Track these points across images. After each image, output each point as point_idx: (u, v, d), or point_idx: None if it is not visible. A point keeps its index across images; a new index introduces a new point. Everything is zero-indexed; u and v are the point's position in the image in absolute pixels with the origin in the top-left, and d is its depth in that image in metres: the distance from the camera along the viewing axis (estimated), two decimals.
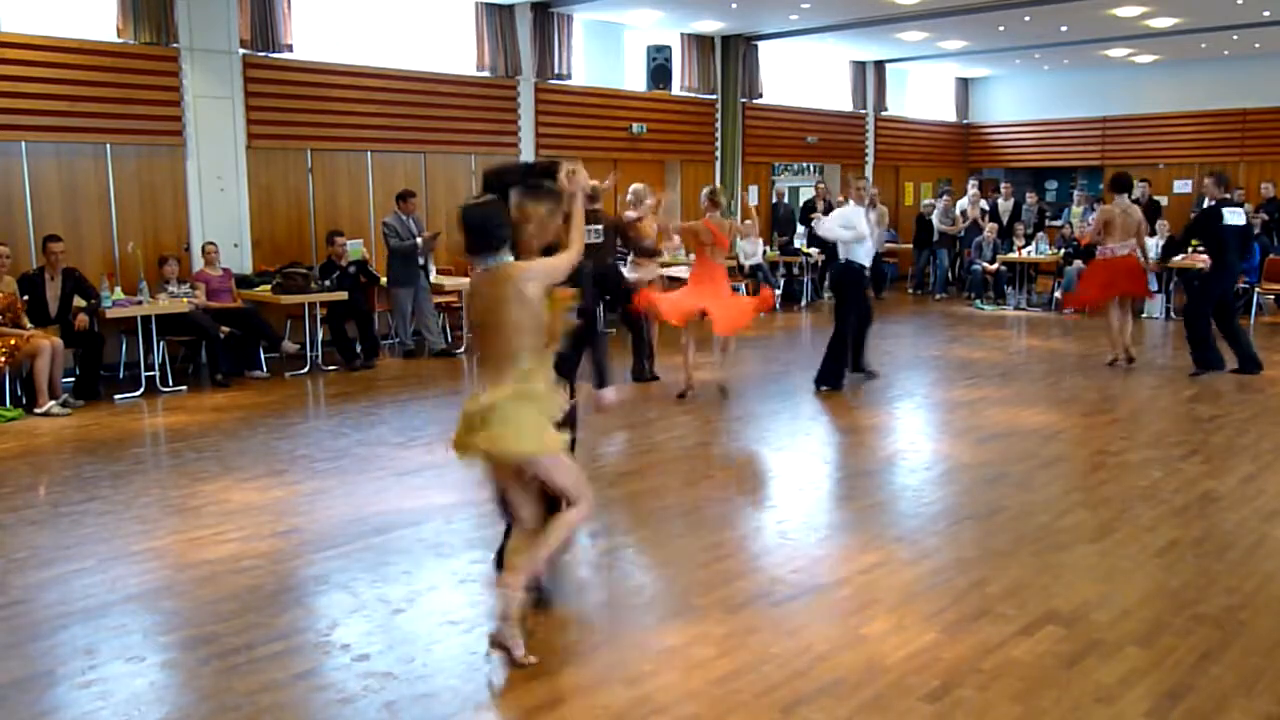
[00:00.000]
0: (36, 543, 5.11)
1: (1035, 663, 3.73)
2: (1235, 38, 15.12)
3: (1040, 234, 15.54)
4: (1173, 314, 13.14)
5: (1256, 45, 15.82)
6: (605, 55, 14.22)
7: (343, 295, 10.04)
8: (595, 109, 13.85)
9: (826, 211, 15.69)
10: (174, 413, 8.25)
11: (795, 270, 15.73)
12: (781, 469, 6.56)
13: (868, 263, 9.01)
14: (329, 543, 5.07)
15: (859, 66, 17.87)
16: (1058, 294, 14.60)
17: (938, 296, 16.24)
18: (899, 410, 8.33)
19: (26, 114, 9.23)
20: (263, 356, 9.83)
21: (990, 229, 15.56)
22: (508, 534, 4.04)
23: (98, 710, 3.44)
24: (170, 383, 9.09)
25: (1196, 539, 5.06)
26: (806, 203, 16.42)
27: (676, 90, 14.92)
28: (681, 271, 10.45)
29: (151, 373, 9.05)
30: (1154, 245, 12.97)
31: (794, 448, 7.06)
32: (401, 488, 5.98)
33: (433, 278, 11.11)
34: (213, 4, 10.27)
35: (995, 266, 15.21)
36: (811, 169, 18.93)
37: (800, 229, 16.14)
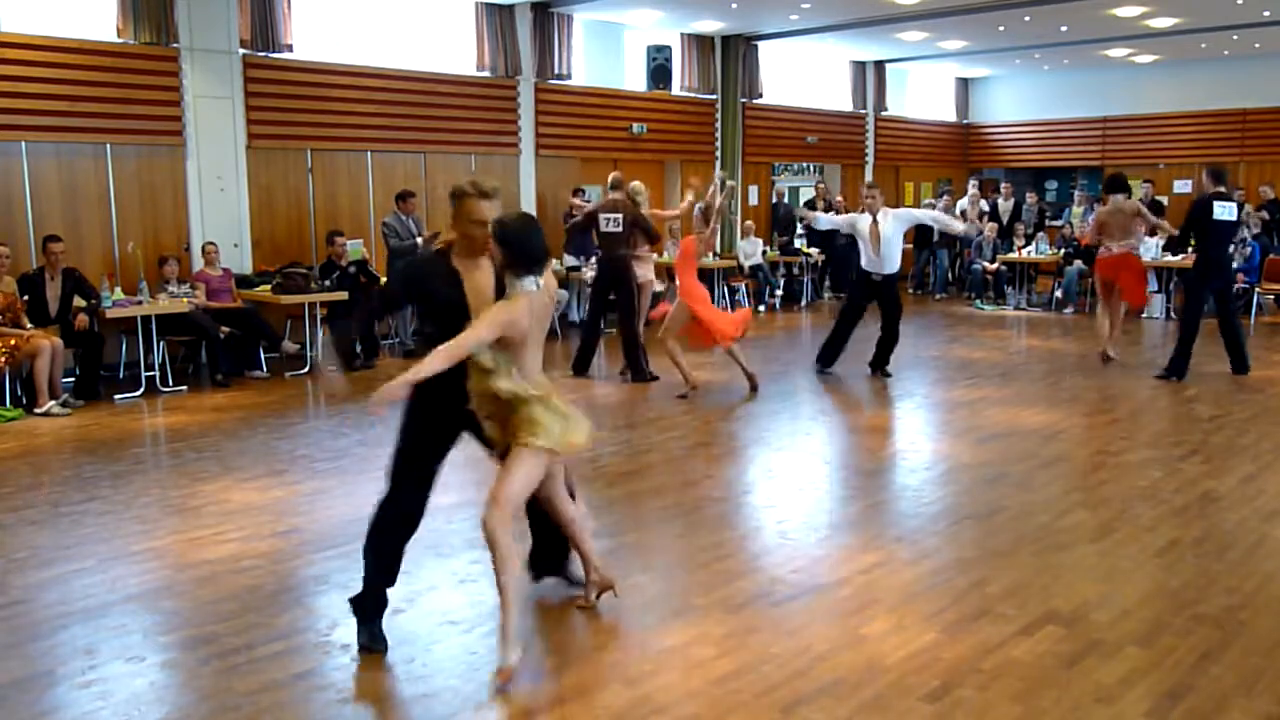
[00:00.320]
0: (36, 543, 5.11)
1: (1035, 663, 3.73)
2: (1235, 38, 15.12)
3: (1040, 234, 15.54)
4: (1172, 314, 13.13)
5: (1256, 45, 15.82)
6: (605, 55, 14.21)
7: (343, 295, 10.04)
8: (595, 109, 13.85)
9: (826, 211, 15.75)
10: (174, 413, 8.25)
11: (795, 270, 15.73)
12: (781, 469, 6.56)
13: (871, 270, 9.38)
14: (329, 543, 5.07)
15: (859, 66, 17.87)
16: (1058, 294, 14.61)
17: (938, 297, 16.24)
18: (899, 410, 8.33)
19: (26, 114, 9.22)
20: (263, 356, 9.83)
21: (990, 229, 15.56)
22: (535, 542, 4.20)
23: (98, 710, 3.44)
24: (170, 383, 9.09)
25: (1196, 539, 5.06)
26: (806, 202, 16.41)
27: (676, 90, 14.92)
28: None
29: (151, 373, 9.05)
30: (1154, 245, 12.99)
31: (794, 448, 7.06)
32: None
33: None
34: (213, 4, 10.27)
35: (995, 266, 15.21)
36: (811, 169, 18.93)
37: (800, 229, 16.13)
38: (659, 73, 14.53)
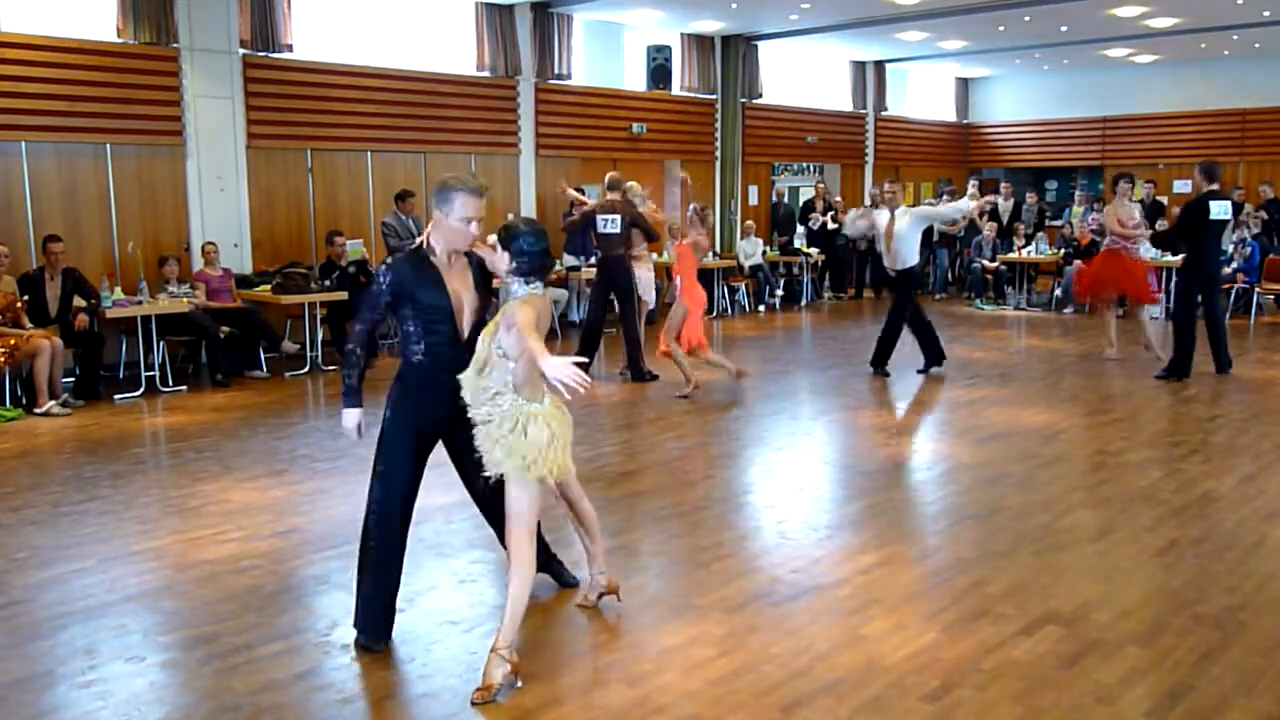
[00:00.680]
0: (36, 543, 5.11)
1: (1035, 663, 3.73)
2: (1235, 38, 15.12)
3: (1040, 234, 15.54)
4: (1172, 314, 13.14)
5: (1256, 45, 15.82)
6: (605, 55, 14.22)
7: (343, 295, 10.05)
8: (595, 109, 13.85)
9: (825, 211, 15.76)
10: (174, 413, 8.25)
11: (795, 270, 15.72)
12: (781, 469, 6.56)
13: (886, 266, 9.55)
14: (329, 543, 5.07)
15: (859, 66, 17.87)
16: (1058, 293, 14.61)
17: (937, 296, 16.24)
18: (899, 410, 8.33)
19: (26, 114, 9.23)
20: (263, 356, 9.83)
21: (990, 229, 15.56)
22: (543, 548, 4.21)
23: (98, 710, 3.44)
24: (170, 383, 9.09)
25: (1196, 539, 5.06)
26: (806, 203, 16.42)
27: (676, 90, 14.92)
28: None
29: (151, 373, 9.05)
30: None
31: (794, 448, 7.06)
32: None
33: None
34: (213, 4, 10.27)
35: (995, 266, 15.21)
36: (811, 169, 18.93)
37: (800, 229, 16.13)
38: (659, 73, 14.53)
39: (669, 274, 12.65)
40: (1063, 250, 14.74)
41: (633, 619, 4.15)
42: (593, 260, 10.97)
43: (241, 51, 10.56)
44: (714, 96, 15.51)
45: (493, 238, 3.82)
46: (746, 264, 14.61)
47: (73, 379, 8.74)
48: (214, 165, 10.46)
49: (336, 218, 11.29)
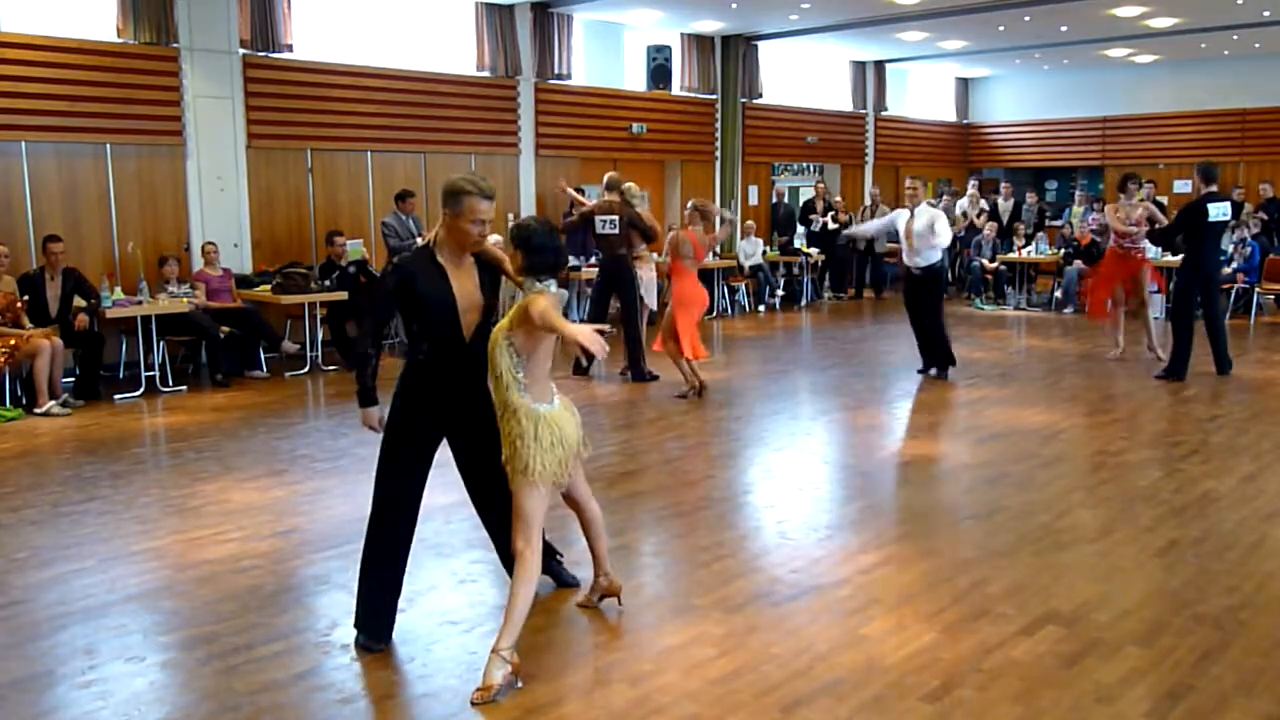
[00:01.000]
0: (36, 543, 5.11)
1: (1035, 663, 3.73)
2: (1235, 38, 15.12)
3: (1040, 234, 15.54)
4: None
5: (1256, 45, 15.82)
6: (605, 55, 14.22)
7: (343, 295, 10.05)
8: (595, 109, 13.85)
9: (825, 212, 15.76)
10: (174, 413, 8.25)
11: (795, 270, 15.73)
12: (781, 469, 6.56)
13: (909, 264, 9.29)
14: (329, 543, 5.07)
15: (859, 66, 17.87)
16: (1058, 293, 14.61)
17: None
18: (899, 410, 8.33)
19: (26, 114, 9.23)
20: (263, 356, 9.83)
21: (990, 229, 15.56)
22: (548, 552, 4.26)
23: (98, 710, 3.44)
24: (170, 383, 9.09)
25: (1196, 539, 5.06)
26: (806, 203, 16.42)
27: (676, 90, 14.92)
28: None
29: (151, 373, 9.05)
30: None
31: (794, 448, 7.06)
32: None
33: None
34: (213, 4, 10.27)
35: (995, 266, 15.21)
36: (811, 169, 18.93)
37: (800, 229, 16.13)
38: (659, 73, 14.53)
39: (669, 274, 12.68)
40: (1063, 250, 14.74)
41: (633, 619, 4.15)
42: (593, 260, 10.98)
43: (241, 51, 10.56)
44: (714, 96, 15.51)
45: (495, 237, 3.84)
46: (746, 264, 14.61)
47: (73, 379, 8.75)
48: (214, 165, 10.46)
49: (336, 218, 11.29)
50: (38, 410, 8.06)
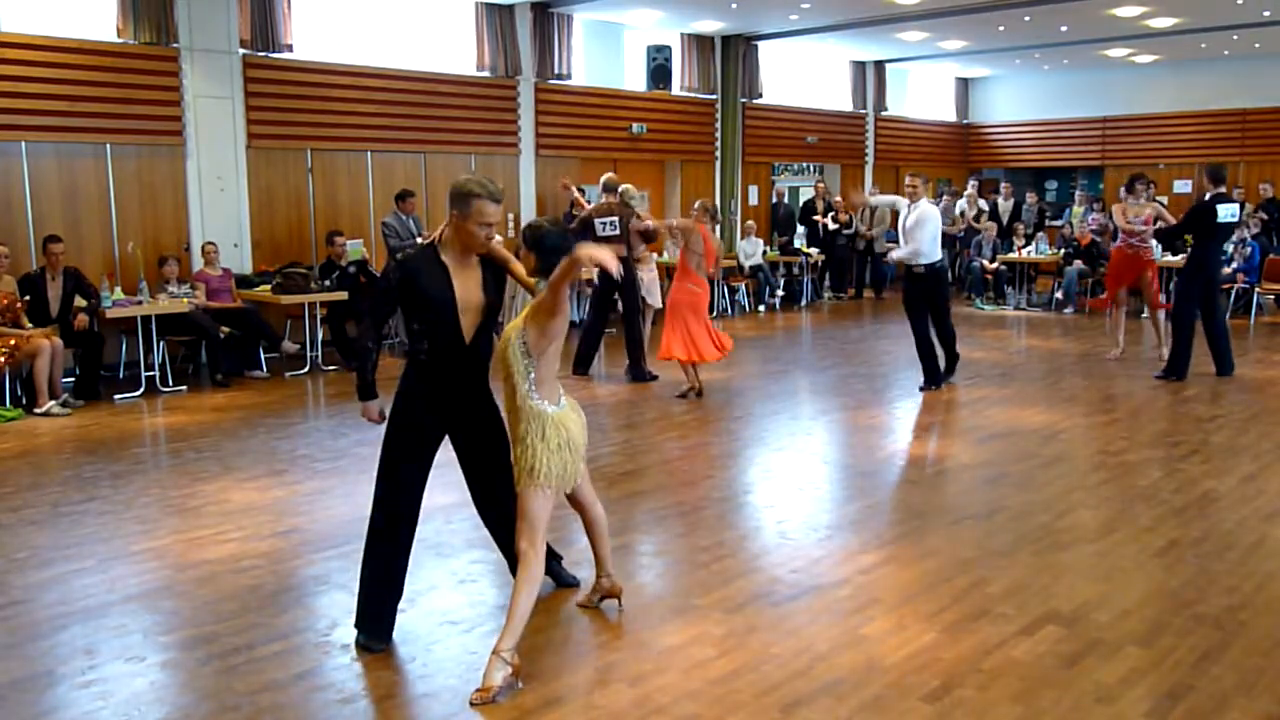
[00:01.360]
0: (36, 543, 5.11)
1: (1035, 663, 3.73)
2: (1235, 38, 15.12)
3: (1040, 234, 15.54)
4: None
5: (1256, 45, 15.82)
6: (605, 55, 14.21)
7: (343, 295, 10.05)
8: (595, 109, 13.85)
9: (825, 211, 15.75)
10: (174, 413, 8.25)
11: (795, 270, 15.73)
12: (781, 469, 6.56)
13: (914, 260, 8.83)
14: (329, 543, 5.07)
15: (859, 66, 17.87)
16: (1058, 294, 14.61)
17: None
18: (899, 410, 8.33)
19: (26, 114, 9.22)
20: (263, 356, 9.83)
21: (989, 229, 15.56)
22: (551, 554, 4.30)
23: (98, 710, 3.44)
24: (170, 383, 9.09)
25: (1196, 539, 5.06)
26: (806, 203, 16.42)
27: (676, 90, 14.92)
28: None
29: (151, 373, 9.05)
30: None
31: (794, 448, 7.06)
32: None
33: None
34: (213, 4, 10.27)
35: (995, 266, 15.21)
36: (811, 169, 18.93)
37: (800, 229, 16.13)
38: (659, 73, 14.53)
39: (669, 274, 12.68)
40: (1063, 250, 14.74)
41: (633, 619, 4.15)
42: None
43: (241, 51, 10.56)
44: (714, 96, 15.51)
45: (497, 237, 3.84)
46: (746, 264, 14.60)
47: (73, 379, 8.74)
48: (214, 165, 10.46)
49: (336, 218, 11.29)
50: (38, 410, 8.06)
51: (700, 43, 15.14)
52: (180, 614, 4.25)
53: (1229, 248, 12.74)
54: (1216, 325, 9.29)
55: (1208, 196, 9.13)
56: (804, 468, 6.57)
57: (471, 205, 3.68)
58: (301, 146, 11.11)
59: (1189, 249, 9.65)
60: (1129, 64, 17.77)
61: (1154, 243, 10.11)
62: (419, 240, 10.65)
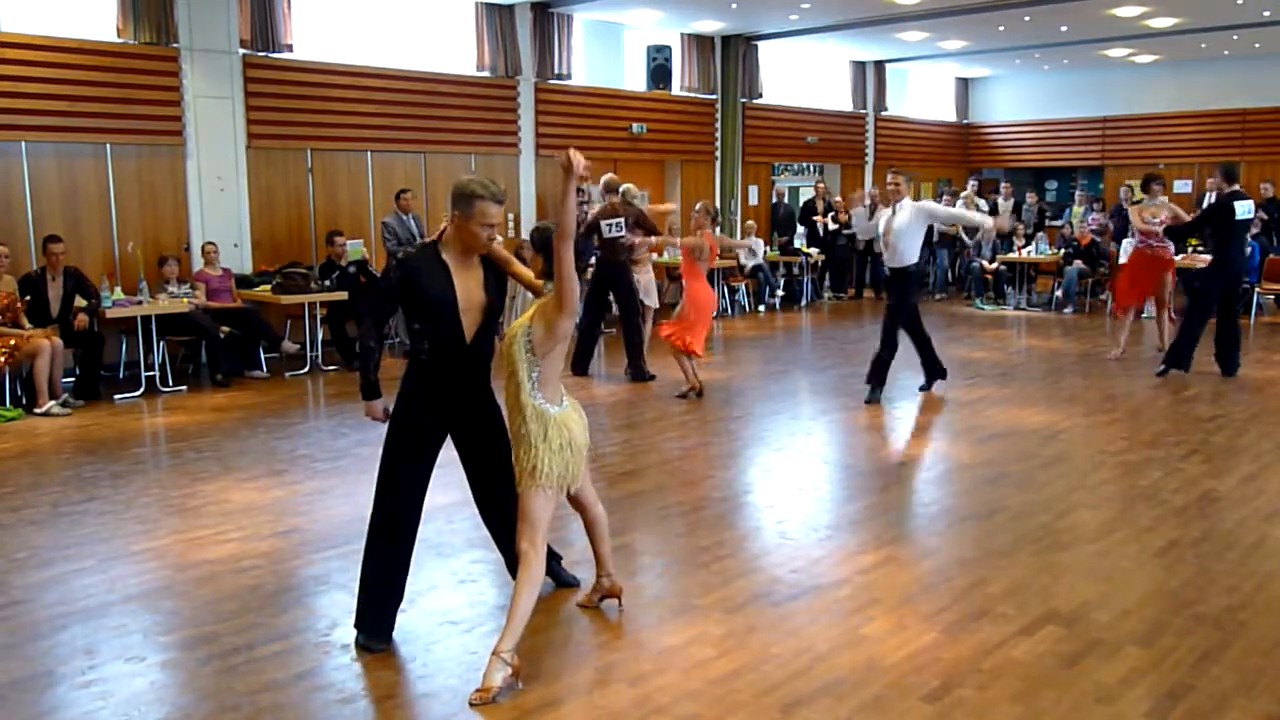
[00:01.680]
0: (36, 543, 5.11)
1: (1035, 663, 3.73)
2: (1235, 38, 15.12)
3: (1040, 234, 15.54)
4: (1172, 314, 13.11)
5: (1256, 45, 15.82)
6: (605, 55, 14.21)
7: (343, 295, 10.05)
8: (595, 109, 13.85)
9: (825, 212, 15.75)
10: (174, 413, 8.25)
11: (795, 270, 15.73)
12: (781, 469, 6.56)
13: (887, 263, 8.59)
14: (329, 543, 5.07)
15: (859, 66, 17.87)
16: (1058, 294, 14.61)
17: (938, 296, 16.23)
18: (899, 410, 8.32)
19: (26, 114, 9.22)
20: (263, 356, 9.83)
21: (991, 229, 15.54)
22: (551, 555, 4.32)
23: (98, 710, 3.44)
24: (170, 383, 9.09)
25: (1196, 539, 5.06)
26: (806, 203, 16.42)
27: (676, 90, 14.92)
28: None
29: (151, 373, 9.05)
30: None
31: (794, 448, 7.06)
32: None
33: None
34: (213, 4, 10.27)
35: (995, 266, 15.21)
36: (811, 169, 18.93)
37: (800, 229, 16.13)
38: (659, 73, 14.53)
39: (669, 274, 12.68)
40: (1063, 250, 14.74)
41: (633, 619, 4.15)
42: (592, 260, 10.96)
43: (241, 51, 10.56)
44: (714, 96, 15.50)
45: (498, 238, 3.85)
46: (747, 264, 14.60)
47: (73, 379, 8.74)
48: (214, 165, 10.45)
49: (336, 218, 11.29)
50: (38, 410, 8.06)
51: (700, 43, 15.14)
52: (180, 614, 4.25)
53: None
54: (1233, 324, 9.30)
55: (1224, 193, 9.15)
56: (804, 468, 6.57)
57: (474, 206, 3.68)
58: (301, 146, 11.11)
59: (1211, 248, 9.65)
60: (1129, 64, 17.77)
61: (1170, 243, 10.12)
62: (419, 241, 10.67)
